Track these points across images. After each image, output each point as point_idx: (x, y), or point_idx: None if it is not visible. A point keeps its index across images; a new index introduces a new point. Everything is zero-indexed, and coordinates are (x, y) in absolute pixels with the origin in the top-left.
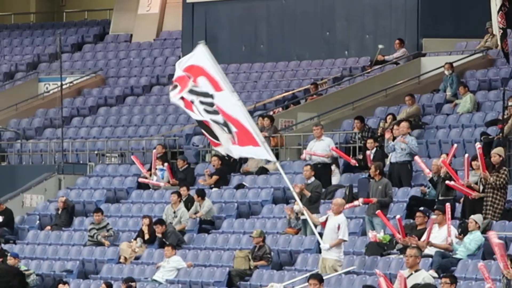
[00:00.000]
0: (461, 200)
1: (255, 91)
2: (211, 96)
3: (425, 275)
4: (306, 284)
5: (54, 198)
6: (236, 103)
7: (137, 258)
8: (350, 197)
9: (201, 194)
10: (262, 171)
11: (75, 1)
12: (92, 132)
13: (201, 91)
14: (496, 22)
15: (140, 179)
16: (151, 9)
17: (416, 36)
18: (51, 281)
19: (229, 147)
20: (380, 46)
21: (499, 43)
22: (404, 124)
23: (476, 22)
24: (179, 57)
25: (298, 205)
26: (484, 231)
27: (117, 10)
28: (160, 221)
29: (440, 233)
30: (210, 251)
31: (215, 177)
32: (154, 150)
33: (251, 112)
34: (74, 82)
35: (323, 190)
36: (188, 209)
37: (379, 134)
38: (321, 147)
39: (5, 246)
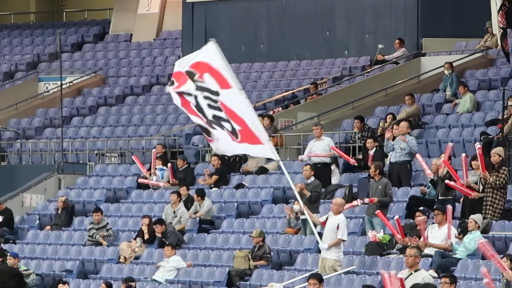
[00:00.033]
0: (461, 200)
1: (255, 90)
2: (216, 93)
3: (425, 275)
4: (306, 284)
5: (54, 198)
6: (243, 101)
7: (136, 258)
8: (350, 197)
9: (201, 194)
10: (262, 171)
11: (75, 1)
12: (92, 132)
13: (206, 87)
14: (496, 21)
15: (140, 180)
16: (151, 9)
17: (416, 35)
18: (50, 281)
19: (218, 145)
20: (380, 46)
21: (499, 42)
22: (403, 124)
23: (476, 22)
24: (179, 57)
25: (298, 205)
26: (484, 231)
27: (117, 10)
28: (160, 221)
29: (440, 233)
30: (210, 251)
31: (215, 177)
32: (153, 150)
33: None
34: (74, 82)
35: (323, 190)
36: (188, 209)
37: (379, 134)
38: (321, 147)
39: (5, 246)
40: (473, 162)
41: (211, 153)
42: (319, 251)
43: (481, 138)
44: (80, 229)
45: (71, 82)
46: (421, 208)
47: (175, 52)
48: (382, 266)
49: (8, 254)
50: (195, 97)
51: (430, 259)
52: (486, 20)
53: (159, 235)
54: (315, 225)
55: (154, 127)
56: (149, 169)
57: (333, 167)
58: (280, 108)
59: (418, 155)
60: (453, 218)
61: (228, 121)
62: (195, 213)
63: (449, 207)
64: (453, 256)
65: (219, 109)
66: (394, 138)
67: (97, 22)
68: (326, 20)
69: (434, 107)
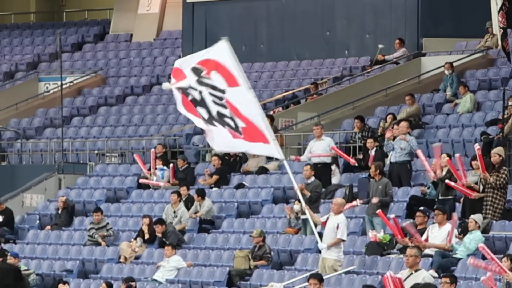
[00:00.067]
0: (461, 199)
1: (255, 90)
2: (222, 91)
3: (425, 274)
4: (306, 283)
5: (54, 198)
6: (252, 99)
7: (137, 257)
8: (350, 197)
9: (201, 193)
10: (262, 170)
11: (75, 1)
12: (92, 131)
13: (211, 84)
14: (496, 21)
15: (141, 180)
16: (151, 9)
17: (416, 35)
18: (51, 281)
19: (213, 141)
20: (380, 46)
21: (499, 42)
22: (403, 124)
23: (476, 22)
24: (179, 57)
25: (298, 205)
26: (484, 231)
27: (117, 10)
28: (160, 221)
29: (440, 233)
30: (210, 251)
31: (215, 177)
32: (152, 150)
33: None
34: (74, 82)
35: (323, 190)
36: (188, 209)
37: (379, 133)
38: (321, 147)
39: (5, 246)
40: (473, 162)
41: (211, 153)
42: (320, 251)
43: (482, 138)
44: (80, 229)
45: (71, 82)
46: (422, 208)
47: (175, 52)
48: (382, 266)
49: (9, 254)
50: (200, 92)
51: (430, 259)
52: (486, 20)
53: (159, 235)
54: (316, 225)
55: (155, 127)
56: (149, 169)
57: (333, 167)
58: (280, 108)
59: (420, 153)
60: None
61: (232, 118)
62: (195, 213)
63: (455, 217)
64: (454, 256)
65: (224, 106)
66: (394, 138)
67: (97, 22)
68: (326, 20)
69: (434, 107)
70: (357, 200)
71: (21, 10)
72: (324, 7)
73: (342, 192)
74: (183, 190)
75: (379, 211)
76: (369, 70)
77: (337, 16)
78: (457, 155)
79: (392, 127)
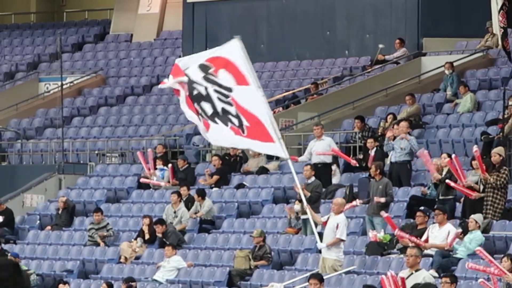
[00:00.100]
0: (462, 199)
1: None
2: (229, 89)
3: (426, 274)
4: (307, 284)
5: (55, 198)
6: (261, 98)
7: (137, 258)
8: (350, 197)
9: (202, 194)
10: (263, 170)
11: (75, 1)
12: (93, 132)
13: (218, 82)
14: (497, 21)
15: (142, 179)
16: (152, 9)
17: (416, 35)
18: (51, 281)
19: (212, 136)
20: (381, 46)
21: (500, 42)
22: (403, 124)
23: (477, 22)
24: (179, 57)
25: (299, 205)
26: (484, 231)
27: (118, 10)
28: (161, 221)
29: (441, 233)
30: (211, 251)
31: (215, 177)
32: (149, 150)
33: None
34: (75, 82)
35: (324, 190)
36: (189, 209)
37: (379, 133)
38: (321, 147)
39: (6, 246)
40: (473, 162)
41: (211, 153)
42: (320, 251)
43: (482, 138)
44: (80, 229)
45: (71, 82)
46: (422, 208)
47: (175, 52)
48: (382, 266)
49: (9, 254)
50: (206, 88)
51: (430, 259)
52: (487, 20)
53: (159, 235)
54: (316, 225)
55: (155, 127)
56: (149, 169)
57: (333, 167)
58: (280, 108)
59: (425, 153)
60: (454, 217)
61: (237, 116)
62: (195, 213)
63: (459, 230)
64: (454, 256)
65: (229, 104)
66: (394, 138)
67: (97, 22)
68: (327, 20)
69: (434, 107)
70: (357, 200)
71: (21, 10)
72: (324, 7)
73: (342, 192)
74: (183, 190)
75: (386, 215)
76: (369, 70)
77: (337, 16)
78: (453, 156)
79: (393, 127)
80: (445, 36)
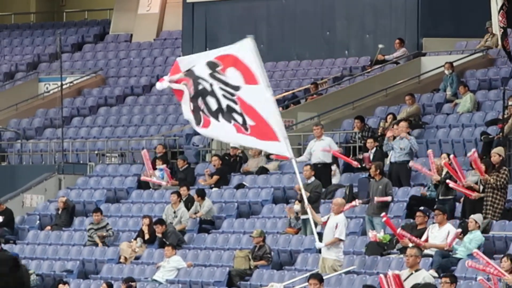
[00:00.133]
0: (461, 199)
1: None
2: (236, 88)
3: (425, 274)
4: (306, 284)
5: (54, 198)
6: (269, 98)
7: (137, 258)
8: (350, 197)
9: (201, 194)
10: (262, 171)
11: (75, 1)
12: (92, 132)
13: (224, 80)
14: (496, 21)
15: (143, 177)
16: (151, 9)
17: (416, 35)
18: (51, 281)
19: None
20: (380, 46)
21: (499, 42)
22: (403, 124)
23: (476, 22)
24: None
25: (299, 205)
26: (484, 231)
27: (117, 10)
28: (160, 221)
29: (440, 233)
30: (210, 251)
31: (215, 177)
32: (143, 151)
33: None
34: (74, 82)
35: (323, 190)
36: (188, 209)
37: (379, 133)
38: (321, 147)
39: (5, 246)
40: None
41: (211, 153)
42: (320, 251)
43: (482, 138)
44: (80, 229)
45: (71, 82)
46: (422, 208)
47: (175, 52)
48: (382, 266)
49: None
50: (211, 85)
51: (430, 259)
52: (486, 20)
53: (159, 235)
54: (316, 225)
55: (155, 127)
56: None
57: (333, 167)
58: (280, 108)
59: (417, 165)
60: (454, 218)
61: (241, 114)
62: (195, 213)
63: (459, 230)
64: (454, 256)
65: (234, 102)
66: (394, 138)
67: (97, 22)
68: (326, 20)
69: (434, 107)
70: (356, 200)
71: (21, 10)
72: (324, 7)
73: (342, 192)
74: (183, 190)
75: (386, 219)
76: (369, 70)
77: (337, 16)
78: (451, 156)
79: (392, 127)
80: (445, 36)
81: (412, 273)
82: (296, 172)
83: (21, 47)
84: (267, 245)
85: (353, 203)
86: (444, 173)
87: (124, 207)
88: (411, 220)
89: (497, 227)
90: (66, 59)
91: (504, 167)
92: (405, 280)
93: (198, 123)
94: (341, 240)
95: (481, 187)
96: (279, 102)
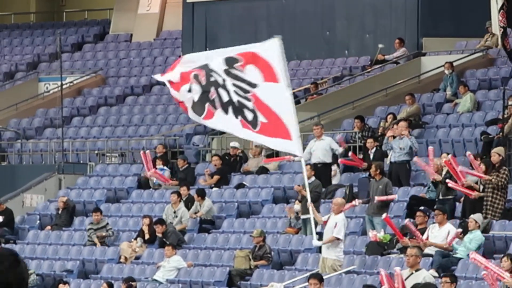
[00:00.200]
0: (462, 199)
1: None
2: (253, 85)
3: (426, 274)
4: (307, 283)
5: (54, 198)
6: (287, 97)
7: (137, 258)
8: (350, 197)
9: (201, 193)
10: (263, 170)
11: (75, 1)
12: (92, 132)
13: (241, 76)
14: (497, 20)
15: (148, 174)
16: (151, 9)
17: (416, 35)
18: (51, 281)
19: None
20: (380, 46)
21: (500, 41)
22: (402, 124)
23: (476, 22)
24: (179, 57)
25: (299, 205)
26: (484, 231)
27: (117, 10)
28: (160, 221)
29: (440, 233)
30: (211, 251)
31: (216, 177)
32: (141, 152)
33: None
34: (74, 82)
35: (323, 189)
36: (188, 209)
37: (379, 133)
38: (321, 147)
39: (5, 246)
40: (474, 162)
41: (211, 153)
42: (320, 251)
43: (482, 137)
44: (80, 229)
45: (71, 82)
46: (422, 208)
47: (175, 52)
48: (382, 265)
49: None
50: (224, 80)
51: (430, 258)
52: (486, 20)
53: (159, 235)
54: (316, 224)
55: (155, 127)
56: (149, 169)
57: (334, 167)
58: None
59: (419, 160)
60: (454, 217)
61: (252, 111)
62: (195, 213)
63: (459, 230)
64: (454, 255)
65: (247, 99)
66: (394, 138)
67: (97, 22)
68: (326, 20)
69: (434, 107)
70: (356, 200)
71: (21, 10)
72: (324, 7)
73: (342, 192)
74: (183, 190)
75: (386, 217)
76: (369, 70)
77: (337, 16)
78: (449, 155)
79: (392, 127)
80: (445, 36)
81: (412, 273)
82: (304, 172)
83: (21, 47)
84: (267, 245)
85: (353, 202)
86: (444, 172)
87: (124, 207)
88: (411, 220)
89: (497, 227)
90: (66, 59)
91: (504, 167)
92: (405, 279)
93: (199, 114)
94: (338, 239)
95: (481, 187)
96: None
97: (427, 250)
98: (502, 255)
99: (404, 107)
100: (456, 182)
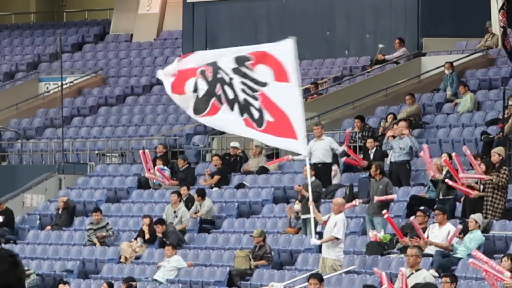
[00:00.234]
0: (462, 199)
1: None
2: (263, 84)
3: (426, 274)
4: (307, 283)
5: (55, 198)
6: (297, 97)
7: (137, 257)
8: (350, 197)
9: (201, 193)
10: (263, 170)
11: (75, 1)
12: (93, 132)
13: (250, 75)
14: (497, 20)
15: (147, 174)
16: (152, 9)
17: (416, 35)
18: (51, 281)
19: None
20: (380, 46)
21: (500, 41)
22: (402, 124)
23: (476, 22)
24: (179, 57)
25: (299, 204)
26: (484, 230)
27: (118, 10)
28: (161, 221)
29: (441, 233)
30: (211, 251)
31: (216, 177)
32: (146, 151)
33: None
34: (75, 82)
35: (323, 189)
36: (188, 209)
37: (379, 133)
38: (321, 147)
39: (6, 246)
40: (475, 162)
41: (211, 153)
42: (320, 251)
43: (482, 137)
44: (80, 229)
45: (71, 82)
46: (422, 207)
47: (175, 52)
48: (382, 265)
49: None
50: (231, 78)
51: (430, 258)
52: (486, 20)
53: (159, 235)
54: (316, 223)
55: (155, 127)
56: (149, 170)
57: (334, 167)
58: None
59: (426, 152)
60: (454, 217)
61: (259, 110)
62: (195, 213)
63: (459, 226)
64: (454, 255)
65: (254, 97)
66: (394, 138)
67: (97, 22)
68: (326, 20)
69: (434, 107)
70: (356, 200)
71: (21, 10)
72: (324, 7)
73: (342, 192)
74: (183, 190)
75: (388, 216)
76: (369, 70)
77: (337, 16)
78: (453, 154)
79: (393, 127)
80: (445, 36)
81: (412, 273)
82: (308, 169)
83: (21, 47)
84: (267, 245)
85: (353, 202)
86: (444, 172)
87: (124, 207)
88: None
89: (497, 226)
90: (66, 59)
91: (504, 167)
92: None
93: (200, 112)
94: (337, 238)
95: (481, 187)
96: None
97: (427, 250)
98: (502, 255)
99: (404, 107)
100: (456, 182)
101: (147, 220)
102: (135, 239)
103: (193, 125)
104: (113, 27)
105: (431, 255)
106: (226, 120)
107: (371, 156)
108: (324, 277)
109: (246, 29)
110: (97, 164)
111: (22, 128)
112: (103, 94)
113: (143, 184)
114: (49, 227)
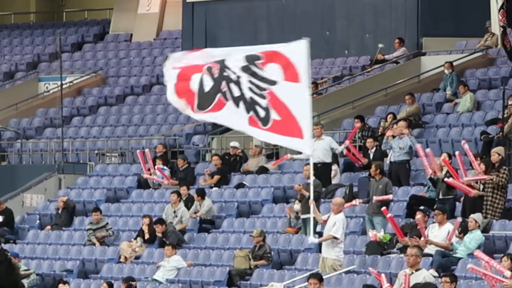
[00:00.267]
0: (462, 199)
1: None
2: (272, 82)
3: (426, 274)
4: (306, 283)
5: (54, 198)
6: (306, 97)
7: (137, 257)
8: (350, 197)
9: (201, 193)
10: (262, 170)
11: (75, 1)
12: (92, 131)
13: (259, 74)
14: (497, 20)
15: (145, 175)
16: (151, 9)
17: (416, 35)
18: (51, 281)
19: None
20: (380, 45)
21: (499, 41)
22: (401, 124)
23: (476, 21)
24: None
25: (299, 204)
26: (484, 230)
27: (117, 9)
28: (160, 221)
29: (440, 232)
30: (210, 251)
31: (216, 177)
32: (139, 151)
33: None
34: (74, 82)
35: (323, 189)
36: (188, 209)
37: (379, 133)
38: (321, 147)
39: (5, 246)
40: (474, 162)
41: (211, 153)
42: (320, 251)
43: (482, 137)
44: (80, 229)
45: (71, 82)
46: (422, 207)
47: (175, 52)
48: (382, 265)
49: (9, 254)
50: (238, 77)
51: (430, 258)
52: (486, 20)
53: (159, 234)
54: (316, 223)
55: (155, 127)
56: (149, 169)
57: (334, 167)
58: None
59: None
60: (454, 217)
61: (265, 109)
62: (195, 212)
63: (459, 219)
64: (454, 255)
65: (262, 96)
66: (394, 138)
67: (97, 22)
68: (326, 20)
69: (434, 107)
70: (356, 199)
71: (21, 10)
72: (324, 7)
73: (342, 191)
74: (183, 190)
75: (390, 215)
76: (369, 69)
77: (337, 16)
78: (456, 152)
79: (392, 127)
80: (445, 36)
81: (412, 273)
82: (311, 169)
83: (21, 47)
84: (267, 245)
85: (353, 202)
86: (444, 172)
87: (124, 207)
88: (411, 220)
89: (497, 226)
90: (66, 59)
91: (504, 167)
92: None
93: (204, 108)
94: (335, 238)
95: (481, 187)
96: None
97: (427, 250)
98: (502, 255)
99: (404, 107)
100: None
101: (146, 220)
102: (135, 239)
103: (193, 125)
104: (113, 27)
105: (431, 255)
106: (230, 116)
107: (371, 156)
108: (324, 277)
109: (246, 29)
110: (97, 164)
111: (21, 128)
112: (103, 94)
113: (143, 184)
114: (48, 227)
